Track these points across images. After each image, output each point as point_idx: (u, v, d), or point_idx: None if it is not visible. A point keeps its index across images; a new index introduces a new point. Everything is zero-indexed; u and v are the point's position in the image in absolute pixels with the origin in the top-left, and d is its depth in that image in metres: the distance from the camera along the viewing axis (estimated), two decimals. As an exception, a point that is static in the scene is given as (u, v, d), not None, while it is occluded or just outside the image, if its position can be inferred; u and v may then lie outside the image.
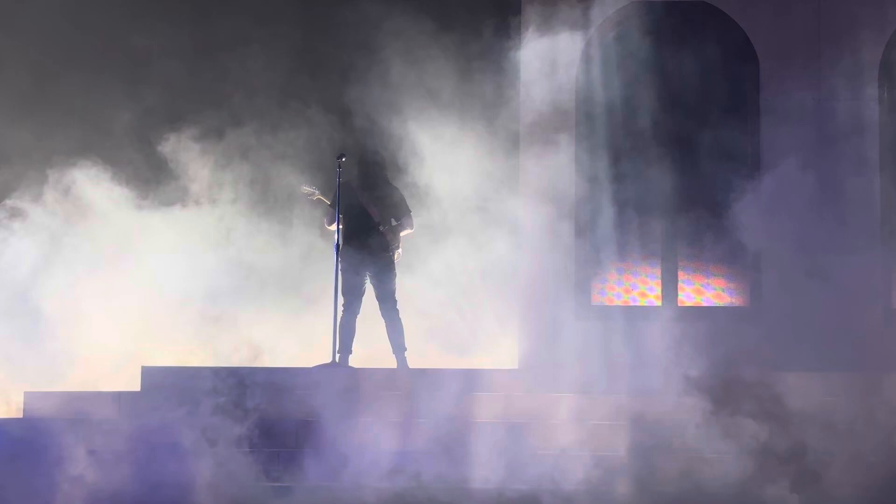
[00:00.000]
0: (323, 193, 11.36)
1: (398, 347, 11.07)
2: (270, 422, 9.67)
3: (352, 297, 11.05)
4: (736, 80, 11.95)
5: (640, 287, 11.97)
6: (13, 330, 11.36)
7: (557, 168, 11.85)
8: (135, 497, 8.48)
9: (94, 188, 11.94)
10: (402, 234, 11.28)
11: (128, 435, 9.20)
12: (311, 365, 10.85)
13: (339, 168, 11.27)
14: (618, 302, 11.95)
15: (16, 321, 11.40)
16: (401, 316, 11.13)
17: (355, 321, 11.06)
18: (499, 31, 11.98)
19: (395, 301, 11.13)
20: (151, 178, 12.36)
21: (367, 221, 11.15)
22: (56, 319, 11.59)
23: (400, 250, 11.25)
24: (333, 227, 11.20)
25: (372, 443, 9.34)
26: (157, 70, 12.48)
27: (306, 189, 11.38)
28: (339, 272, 11.04)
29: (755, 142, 11.86)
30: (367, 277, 11.13)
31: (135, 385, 10.61)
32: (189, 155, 12.27)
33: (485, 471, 9.04)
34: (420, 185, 11.95)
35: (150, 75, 12.50)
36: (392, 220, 11.20)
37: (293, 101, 12.40)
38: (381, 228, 11.16)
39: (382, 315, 11.11)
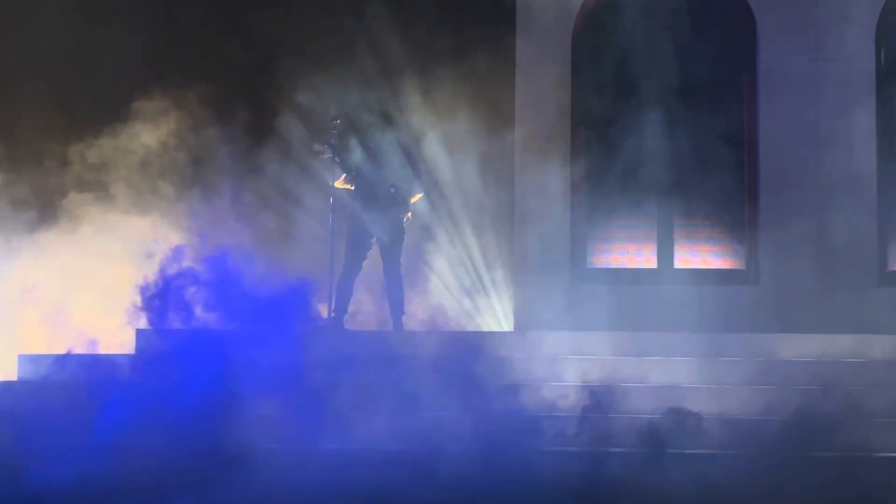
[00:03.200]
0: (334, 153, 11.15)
1: (398, 310, 11.00)
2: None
3: (356, 258, 10.97)
4: (733, 41, 11.90)
5: (637, 250, 11.91)
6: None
7: (554, 132, 11.80)
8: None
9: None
10: (412, 199, 11.18)
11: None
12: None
13: (335, 130, 11.16)
14: (614, 264, 11.91)
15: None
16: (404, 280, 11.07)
17: (354, 282, 10.98)
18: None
19: (401, 264, 11.05)
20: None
21: (377, 183, 11.03)
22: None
23: (410, 213, 11.17)
24: (352, 186, 11.09)
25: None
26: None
27: (318, 147, 11.17)
28: (348, 233, 10.98)
29: (752, 102, 11.81)
30: (375, 239, 11.04)
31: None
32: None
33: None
34: (413, 151, 11.88)
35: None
36: (403, 182, 11.08)
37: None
38: (391, 191, 11.05)
39: (386, 276, 11.02)
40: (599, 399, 8.66)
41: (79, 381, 9.22)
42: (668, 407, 8.56)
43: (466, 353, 9.09)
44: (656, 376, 9.64)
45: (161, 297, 9.00)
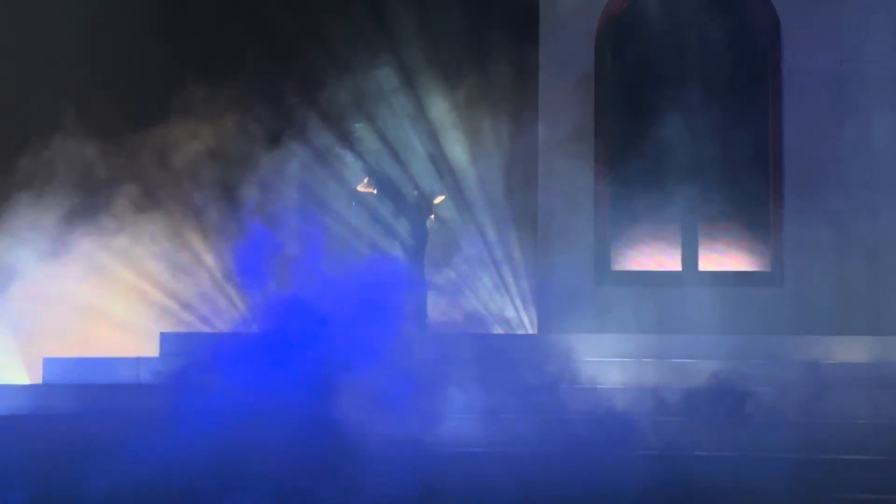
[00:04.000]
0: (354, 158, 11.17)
1: (421, 313, 10.98)
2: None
3: None
4: (757, 41, 11.84)
5: (661, 252, 11.86)
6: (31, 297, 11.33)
7: (577, 134, 11.76)
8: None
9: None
10: (435, 202, 11.18)
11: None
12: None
13: (356, 134, 11.18)
14: (638, 267, 11.85)
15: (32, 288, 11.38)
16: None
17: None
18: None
19: (424, 267, 11.04)
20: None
21: (400, 186, 11.04)
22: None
23: (433, 216, 11.17)
24: (374, 190, 11.07)
25: None
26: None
27: (340, 151, 11.19)
28: (370, 236, 10.99)
29: (777, 103, 11.75)
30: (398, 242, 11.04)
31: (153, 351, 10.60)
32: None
33: None
34: (435, 153, 11.87)
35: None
36: (426, 185, 11.07)
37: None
38: (414, 193, 11.04)
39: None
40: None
41: (101, 385, 9.33)
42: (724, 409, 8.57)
43: (503, 354, 9.08)
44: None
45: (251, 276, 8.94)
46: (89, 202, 11.90)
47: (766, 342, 10.31)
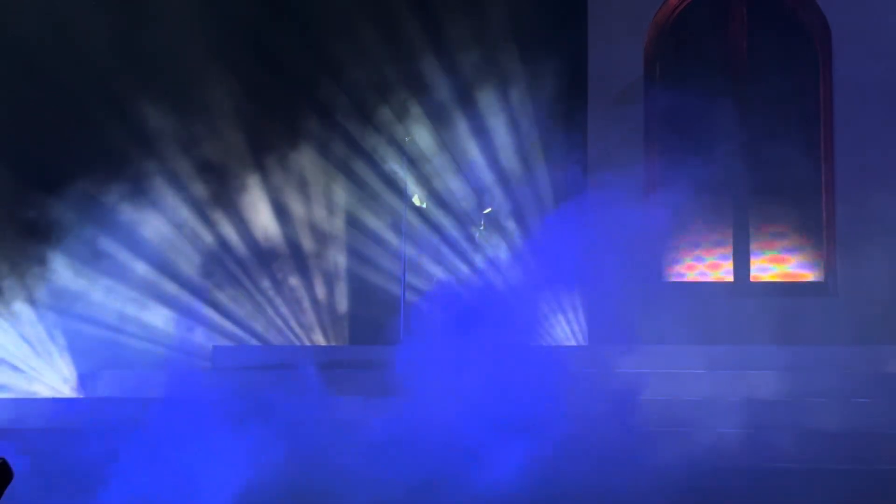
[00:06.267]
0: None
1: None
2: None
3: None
4: (808, 50, 11.79)
5: (713, 263, 11.80)
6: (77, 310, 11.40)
7: (625, 142, 11.73)
8: None
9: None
10: (484, 211, 11.22)
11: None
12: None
13: (406, 144, 11.22)
14: (689, 278, 11.79)
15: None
16: None
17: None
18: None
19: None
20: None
21: (449, 198, 11.08)
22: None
23: (483, 226, 11.20)
24: (424, 203, 11.14)
25: None
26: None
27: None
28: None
29: (828, 112, 11.69)
30: None
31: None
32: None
33: None
34: (480, 160, 11.86)
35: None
36: (474, 196, 11.12)
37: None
38: (462, 205, 11.09)
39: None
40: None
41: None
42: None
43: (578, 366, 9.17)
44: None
45: None
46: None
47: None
